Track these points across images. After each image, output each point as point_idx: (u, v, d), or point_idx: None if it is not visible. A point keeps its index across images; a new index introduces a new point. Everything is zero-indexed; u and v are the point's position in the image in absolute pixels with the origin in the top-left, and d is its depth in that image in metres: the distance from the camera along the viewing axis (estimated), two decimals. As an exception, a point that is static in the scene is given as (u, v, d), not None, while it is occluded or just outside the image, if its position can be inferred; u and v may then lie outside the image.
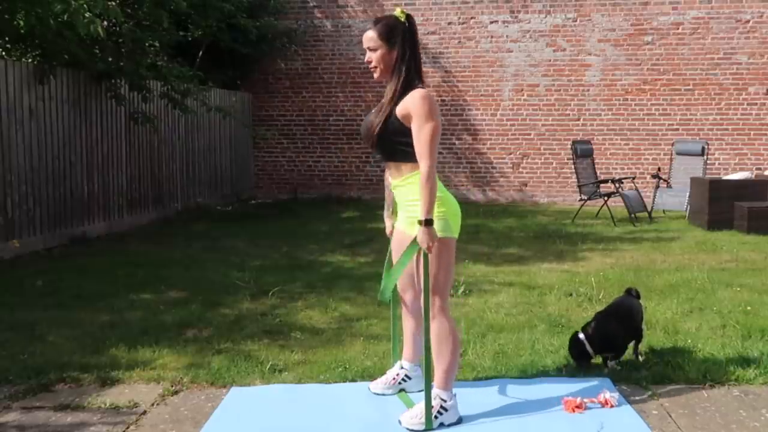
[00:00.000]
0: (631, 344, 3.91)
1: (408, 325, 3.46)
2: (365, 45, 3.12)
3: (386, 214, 3.50)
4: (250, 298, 5.43)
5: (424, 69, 3.34)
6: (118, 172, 9.05)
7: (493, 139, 12.55)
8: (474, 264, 6.76)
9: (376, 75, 3.14)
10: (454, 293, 5.47)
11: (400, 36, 3.06)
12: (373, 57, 3.10)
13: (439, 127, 3.00)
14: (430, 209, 2.95)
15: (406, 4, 12.34)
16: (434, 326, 3.10)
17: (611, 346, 3.79)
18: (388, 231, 3.50)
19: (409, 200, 3.12)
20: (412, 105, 2.99)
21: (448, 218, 3.07)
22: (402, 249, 3.21)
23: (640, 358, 3.89)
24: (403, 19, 3.08)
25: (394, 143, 3.07)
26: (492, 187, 12.62)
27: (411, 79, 3.06)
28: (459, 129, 12.56)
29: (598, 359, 3.83)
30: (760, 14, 11.72)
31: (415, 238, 3.01)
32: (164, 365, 3.90)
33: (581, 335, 3.77)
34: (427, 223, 2.95)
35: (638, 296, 4.09)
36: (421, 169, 2.96)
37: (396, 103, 3.04)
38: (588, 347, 3.74)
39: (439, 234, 3.01)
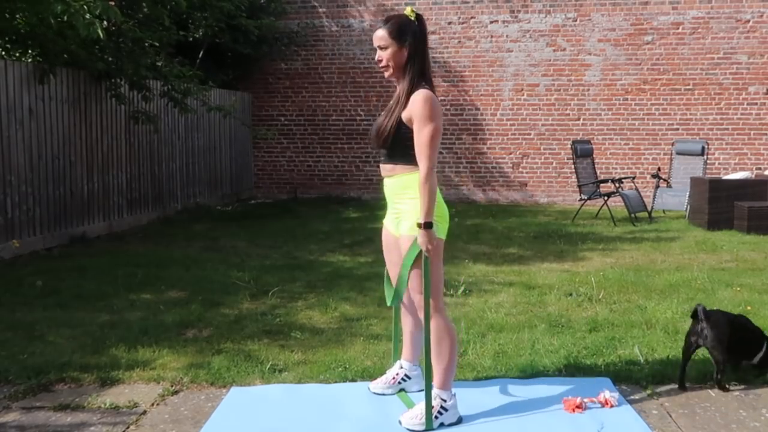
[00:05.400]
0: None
1: (407, 324, 3.46)
2: (376, 44, 3.10)
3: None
4: (250, 298, 5.43)
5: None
6: (118, 172, 9.05)
7: (493, 139, 12.55)
8: (474, 264, 6.77)
9: (387, 74, 3.13)
10: (455, 293, 5.48)
11: (411, 35, 3.05)
12: (383, 55, 3.09)
13: (440, 129, 3.00)
14: (429, 212, 2.96)
15: (406, 4, 12.36)
16: (431, 326, 3.11)
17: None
18: None
19: (398, 198, 3.15)
20: (413, 107, 3.00)
21: (436, 221, 3.06)
22: (389, 248, 3.27)
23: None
24: (413, 18, 3.08)
25: (401, 147, 3.07)
26: (492, 187, 12.62)
27: (418, 79, 3.05)
28: (459, 129, 12.56)
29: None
30: (760, 14, 11.72)
31: (415, 240, 3.02)
32: (164, 365, 3.90)
33: None
34: (427, 225, 2.96)
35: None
36: (420, 171, 2.97)
37: (405, 105, 3.04)
38: None
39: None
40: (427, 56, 3.13)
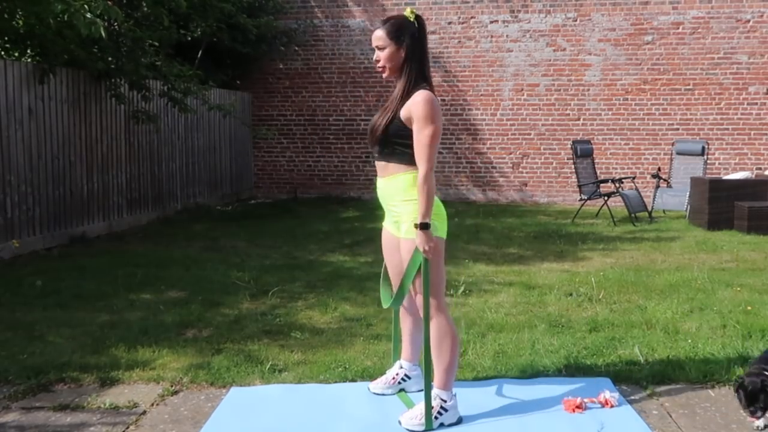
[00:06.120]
0: None
1: (406, 324, 3.46)
2: (374, 44, 3.13)
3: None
4: (250, 298, 5.43)
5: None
6: (117, 172, 9.04)
7: (493, 139, 12.55)
8: (474, 264, 6.76)
9: (384, 74, 3.15)
10: (455, 293, 5.48)
11: (409, 36, 3.07)
12: (381, 56, 3.11)
13: (440, 131, 3.01)
14: (426, 213, 2.96)
15: (406, 4, 12.36)
16: (433, 326, 3.10)
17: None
18: None
19: (394, 202, 3.15)
20: (414, 107, 3.00)
21: (434, 221, 3.06)
22: (390, 250, 3.27)
23: None
24: (412, 19, 3.10)
25: (395, 144, 3.08)
26: (492, 187, 12.62)
27: (417, 80, 3.07)
28: (459, 129, 12.55)
29: None
30: (760, 14, 11.72)
31: (416, 247, 3.03)
32: (164, 365, 3.90)
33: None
34: (423, 226, 2.96)
35: None
36: (420, 171, 2.98)
37: (401, 104, 3.06)
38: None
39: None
40: (427, 57, 3.15)
